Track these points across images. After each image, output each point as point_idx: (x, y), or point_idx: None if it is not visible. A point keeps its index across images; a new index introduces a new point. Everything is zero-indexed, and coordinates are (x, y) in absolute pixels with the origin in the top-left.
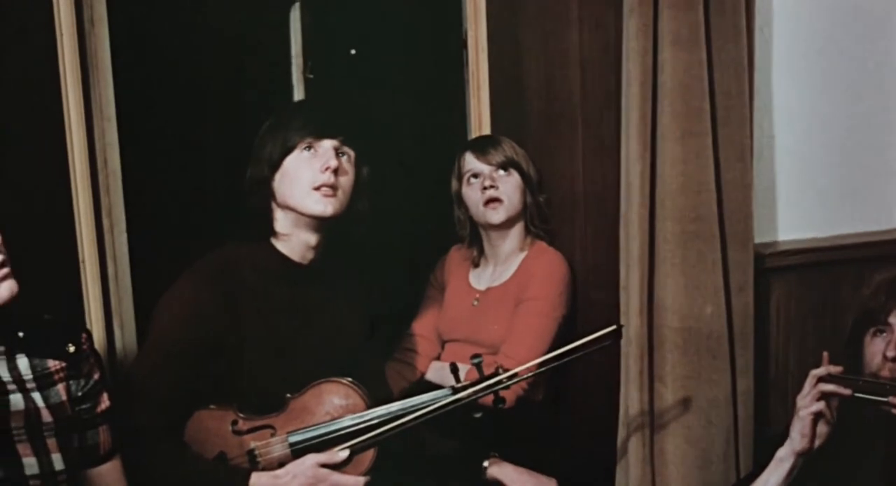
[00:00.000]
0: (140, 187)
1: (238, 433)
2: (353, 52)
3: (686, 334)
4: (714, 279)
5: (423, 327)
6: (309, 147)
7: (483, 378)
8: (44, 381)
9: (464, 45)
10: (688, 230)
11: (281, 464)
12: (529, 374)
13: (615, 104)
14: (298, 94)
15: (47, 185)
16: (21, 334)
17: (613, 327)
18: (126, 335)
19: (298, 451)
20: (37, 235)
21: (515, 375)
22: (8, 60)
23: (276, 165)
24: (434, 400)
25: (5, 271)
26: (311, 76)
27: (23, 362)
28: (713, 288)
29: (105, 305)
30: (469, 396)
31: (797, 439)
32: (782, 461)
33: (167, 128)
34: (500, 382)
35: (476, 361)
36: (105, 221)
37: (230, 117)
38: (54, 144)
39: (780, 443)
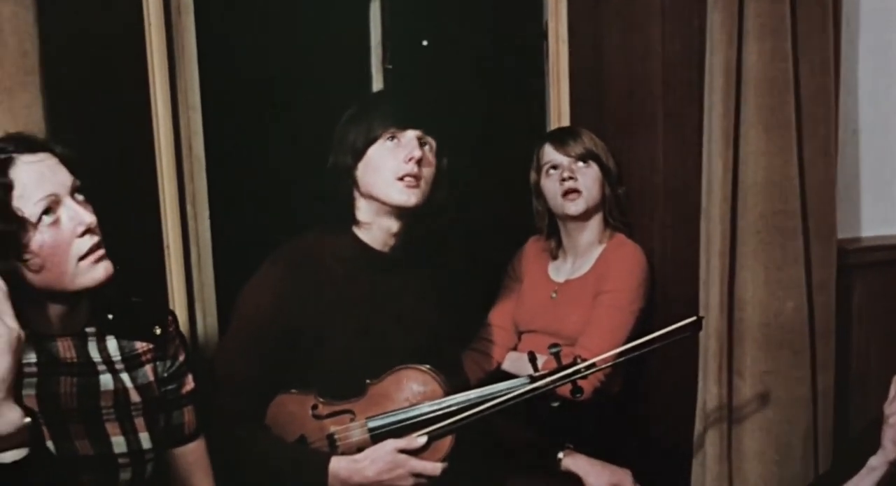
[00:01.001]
0: (223, 175)
1: (318, 417)
2: (424, 43)
3: (766, 330)
4: (796, 275)
5: (500, 317)
6: (392, 137)
7: (561, 367)
8: (132, 362)
9: (544, 36)
10: (770, 225)
11: (360, 449)
12: (608, 364)
13: (697, 97)
14: (377, 84)
15: (134, 172)
16: (110, 316)
17: (694, 317)
18: (208, 320)
19: (377, 436)
20: (124, 221)
21: (594, 365)
22: (97, 49)
23: (359, 155)
24: (512, 388)
25: (101, 252)
26: (390, 67)
27: (112, 344)
28: (795, 284)
29: (188, 290)
30: (547, 385)
31: (890, 447)
32: (874, 469)
33: (250, 116)
34: (578, 371)
35: (554, 350)
36: (189, 208)
37: (311, 106)
38: (141, 133)
39: (863, 443)
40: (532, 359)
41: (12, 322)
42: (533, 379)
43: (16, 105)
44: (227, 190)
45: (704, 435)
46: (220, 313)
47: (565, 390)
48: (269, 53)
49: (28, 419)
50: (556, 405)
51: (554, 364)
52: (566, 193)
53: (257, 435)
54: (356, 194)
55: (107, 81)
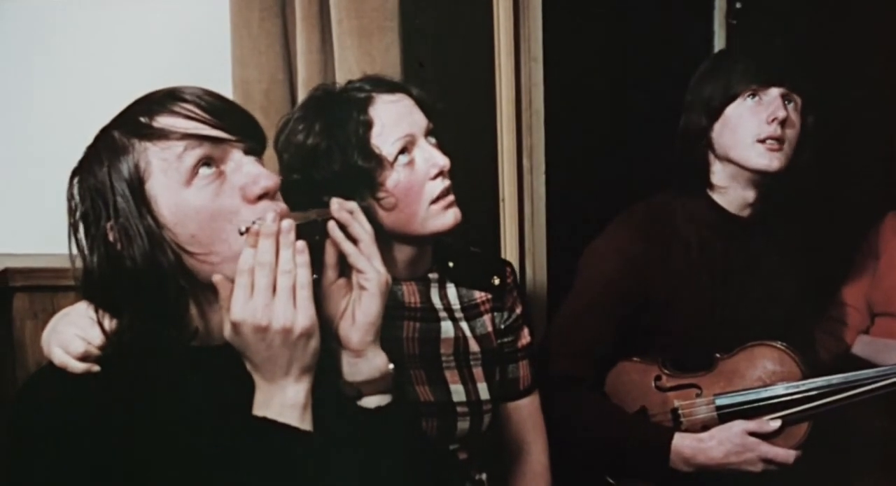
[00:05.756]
0: (561, 129)
1: (661, 388)
2: (738, 6)
3: None
4: None
5: (853, 296)
6: (754, 95)
7: None
8: (471, 311)
9: None
10: None
11: (704, 427)
12: None
13: None
14: (719, 40)
15: (476, 122)
16: (451, 263)
17: None
18: (537, 275)
19: (725, 415)
20: (463, 171)
21: None
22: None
23: (715, 114)
24: (884, 376)
25: (451, 198)
26: (735, 22)
27: (452, 291)
28: None
29: (520, 243)
30: None
31: None
32: None
33: (591, 70)
34: None
35: None
36: (525, 162)
37: (652, 61)
38: (484, 83)
39: None
40: None
41: (381, 266)
42: None
43: (374, 48)
44: (564, 144)
45: None
46: (550, 269)
47: None
48: (611, 5)
49: (392, 366)
50: None
51: None
52: None
53: (596, 402)
54: (711, 157)
55: (456, 30)
